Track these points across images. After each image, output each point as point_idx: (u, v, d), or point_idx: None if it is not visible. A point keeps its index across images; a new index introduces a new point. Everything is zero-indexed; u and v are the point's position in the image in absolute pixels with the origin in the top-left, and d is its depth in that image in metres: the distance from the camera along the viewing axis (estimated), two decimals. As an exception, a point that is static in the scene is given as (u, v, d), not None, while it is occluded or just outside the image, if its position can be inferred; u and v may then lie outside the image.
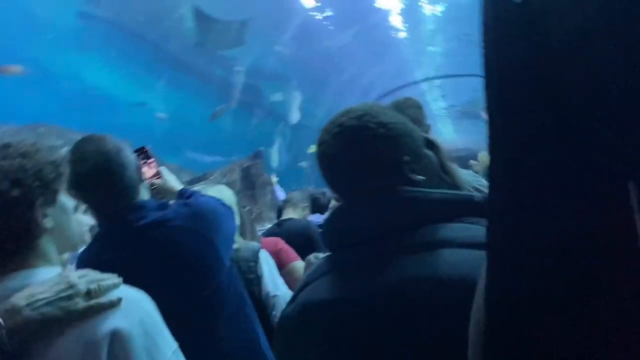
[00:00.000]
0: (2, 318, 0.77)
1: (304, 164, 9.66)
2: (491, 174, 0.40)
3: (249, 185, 8.06)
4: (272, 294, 2.07)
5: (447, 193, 0.88)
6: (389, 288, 0.81)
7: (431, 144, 0.96)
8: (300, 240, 2.83)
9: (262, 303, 2.05)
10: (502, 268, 0.39)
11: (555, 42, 0.34)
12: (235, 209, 1.93)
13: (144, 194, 1.58)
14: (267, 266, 2.13)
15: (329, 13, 7.55)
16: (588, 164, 0.33)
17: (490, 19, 0.38)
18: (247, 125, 8.27)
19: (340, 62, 8.90)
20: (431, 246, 0.80)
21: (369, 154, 0.88)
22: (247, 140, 8.23)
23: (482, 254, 0.51)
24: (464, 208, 0.84)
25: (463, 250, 0.76)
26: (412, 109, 2.13)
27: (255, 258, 2.10)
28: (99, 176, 1.42)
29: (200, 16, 7.43)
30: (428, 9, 8.29)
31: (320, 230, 3.11)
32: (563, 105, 0.34)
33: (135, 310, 0.94)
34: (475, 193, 0.88)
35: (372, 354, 0.82)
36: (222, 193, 2.01)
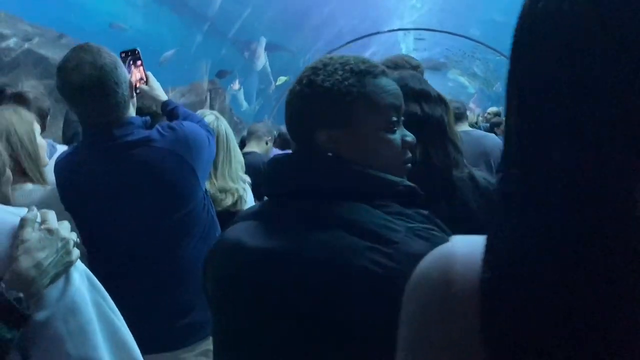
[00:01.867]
0: (18, 289, 0.80)
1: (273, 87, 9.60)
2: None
3: (209, 107, 7.96)
4: None
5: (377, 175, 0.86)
6: (280, 252, 0.83)
7: (443, 101, 1.02)
8: (257, 177, 2.60)
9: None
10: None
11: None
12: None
13: (132, 111, 1.60)
14: None
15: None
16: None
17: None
18: (216, 54, 7.95)
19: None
20: (328, 223, 0.81)
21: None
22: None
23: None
24: (386, 191, 0.85)
25: (352, 237, 0.78)
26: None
27: None
28: (93, 90, 1.43)
29: None
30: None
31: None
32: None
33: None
34: (403, 181, 0.88)
35: (250, 306, 0.86)
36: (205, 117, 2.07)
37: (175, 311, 1.62)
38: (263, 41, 8.58)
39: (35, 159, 1.65)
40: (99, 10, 6.06)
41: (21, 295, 0.79)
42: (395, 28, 10.72)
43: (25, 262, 0.82)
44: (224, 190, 2.17)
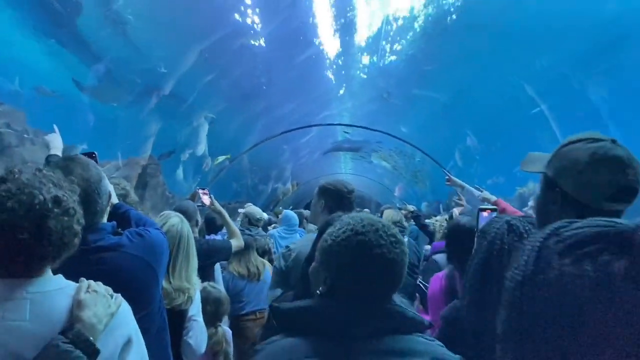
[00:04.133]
0: (90, 335, 1.12)
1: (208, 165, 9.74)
2: None
3: (141, 184, 7.90)
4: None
5: (413, 312, 1.18)
6: None
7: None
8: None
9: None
10: None
11: None
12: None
13: (105, 217, 1.76)
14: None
15: (262, 42, 7.86)
16: None
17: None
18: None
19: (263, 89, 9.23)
20: (403, 354, 1.09)
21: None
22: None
23: None
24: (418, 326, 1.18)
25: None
26: None
27: None
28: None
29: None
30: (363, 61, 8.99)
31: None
32: None
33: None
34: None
35: None
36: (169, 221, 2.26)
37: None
38: (206, 124, 8.88)
39: None
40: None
41: (91, 337, 1.12)
42: (327, 121, 11.55)
43: (86, 314, 1.14)
44: (179, 290, 2.30)
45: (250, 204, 5.68)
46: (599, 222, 0.65)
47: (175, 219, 2.42)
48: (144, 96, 7.15)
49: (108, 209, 1.79)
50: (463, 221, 2.49)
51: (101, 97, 6.45)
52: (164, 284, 2.17)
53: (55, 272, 1.68)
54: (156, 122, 7.66)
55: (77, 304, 1.17)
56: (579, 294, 0.60)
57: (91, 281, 1.28)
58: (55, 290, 1.20)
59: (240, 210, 5.38)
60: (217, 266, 3.67)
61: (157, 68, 6.85)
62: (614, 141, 1.30)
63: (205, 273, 3.22)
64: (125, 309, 1.32)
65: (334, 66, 9.17)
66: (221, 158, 9.75)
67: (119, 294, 1.35)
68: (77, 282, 1.68)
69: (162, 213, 2.56)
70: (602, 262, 0.60)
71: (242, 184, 12.38)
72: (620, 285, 0.58)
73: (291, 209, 8.06)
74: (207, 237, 4.49)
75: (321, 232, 1.64)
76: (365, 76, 9.52)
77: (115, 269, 1.68)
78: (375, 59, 8.74)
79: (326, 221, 1.70)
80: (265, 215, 5.25)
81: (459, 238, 2.28)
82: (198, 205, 3.38)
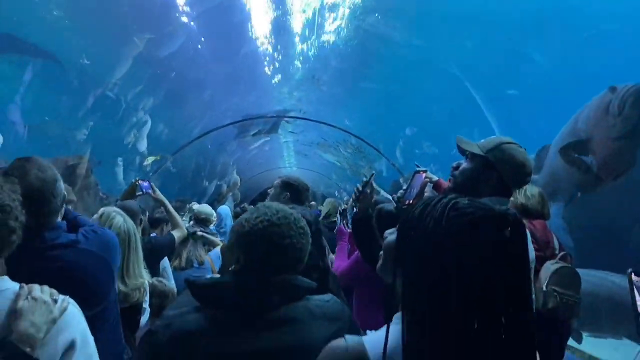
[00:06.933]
0: (27, 345, 1.11)
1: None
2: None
3: (70, 184, 7.59)
4: None
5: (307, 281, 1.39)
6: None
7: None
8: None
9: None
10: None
11: None
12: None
13: (60, 216, 1.76)
14: None
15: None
16: None
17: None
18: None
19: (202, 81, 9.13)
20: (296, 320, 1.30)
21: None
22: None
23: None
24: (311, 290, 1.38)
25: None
26: None
27: None
28: (33, 199, 1.57)
29: None
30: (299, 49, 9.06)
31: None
32: None
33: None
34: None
35: None
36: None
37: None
38: (148, 124, 8.68)
39: None
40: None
41: (28, 349, 1.10)
42: (274, 113, 11.57)
43: (22, 325, 1.12)
44: (135, 288, 2.31)
45: (195, 202, 5.61)
46: (487, 204, 0.94)
47: (118, 218, 2.41)
48: (79, 94, 6.90)
49: (62, 209, 1.80)
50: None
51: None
52: (121, 286, 2.19)
53: (13, 271, 1.69)
54: (91, 120, 7.40)
55: (14, 314, 1.15)
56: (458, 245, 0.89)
57: (33, 286, 1.26)
58: None
59: (191, 206, 5.28)
60: (165, 260, 3.66)
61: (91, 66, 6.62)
62: (525, 149, 1.94)
63: (152, 270, 3.22)
64: (72, 311, 1.29)
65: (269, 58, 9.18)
66: (151, 158, 9.50)
67: (67, 297, 1.32)
68: (34, 281, 1.70)
69: (100, 210, 2.51)
70: (485, 231, 0.89)
71: (183, 181, 12.17)
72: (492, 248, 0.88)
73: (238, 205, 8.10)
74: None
75: None
76: (300, 65, 9.59)
77: (72, 266, 1.69)
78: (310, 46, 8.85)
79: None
80: (213, 216, 5.21)
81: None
82: (138, 194, 3.35)
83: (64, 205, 1.81)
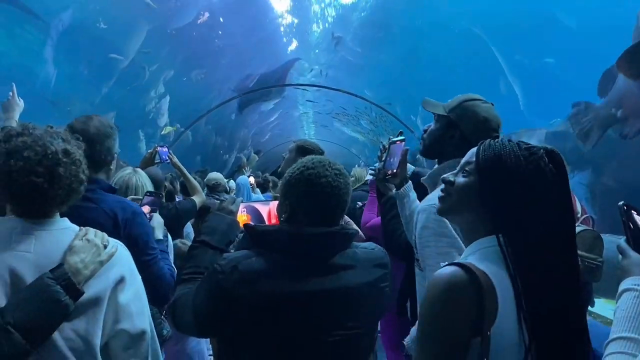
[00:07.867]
0: (73, 279, 1.26)
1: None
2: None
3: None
4: None
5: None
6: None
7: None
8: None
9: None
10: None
11: None
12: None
13: (102, 174, 1.95)
14: None
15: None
16: None
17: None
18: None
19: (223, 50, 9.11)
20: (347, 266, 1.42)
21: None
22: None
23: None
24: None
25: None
26: None
27: None
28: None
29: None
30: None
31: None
32: None
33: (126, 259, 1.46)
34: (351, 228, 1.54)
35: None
36: None
37: None
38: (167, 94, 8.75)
39: None
40: None
41: (74, 279, 1.26)
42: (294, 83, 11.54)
43: (73, 259, 1.29)
44: None
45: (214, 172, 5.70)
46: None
47: (127, 170, 2.51)
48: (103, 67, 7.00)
49: (112, 167, 2.00)
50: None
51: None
52: None
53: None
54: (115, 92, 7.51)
55: (69, 249, 1.32)
56: None
57: (89, 229, 1.41)
58: (58, 230, 1.37)
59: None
60: (189, 226, 3.74)
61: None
62: (492, 104, 1.92)
63: (175, 233, 3.29)
64: (121, 252, 1.44)
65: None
66: (169, 128, 9.60)
67: (117, 241, 1.46)
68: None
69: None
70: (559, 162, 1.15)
71: (204, 154, 12.29)
72: None
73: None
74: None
75: None
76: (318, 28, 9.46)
77: (82, 218, 1.74)
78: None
79: None
80: (223, 181, 5.24)
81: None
82: (156, 162, 3.41)
83: (110, 167, 1.99)
